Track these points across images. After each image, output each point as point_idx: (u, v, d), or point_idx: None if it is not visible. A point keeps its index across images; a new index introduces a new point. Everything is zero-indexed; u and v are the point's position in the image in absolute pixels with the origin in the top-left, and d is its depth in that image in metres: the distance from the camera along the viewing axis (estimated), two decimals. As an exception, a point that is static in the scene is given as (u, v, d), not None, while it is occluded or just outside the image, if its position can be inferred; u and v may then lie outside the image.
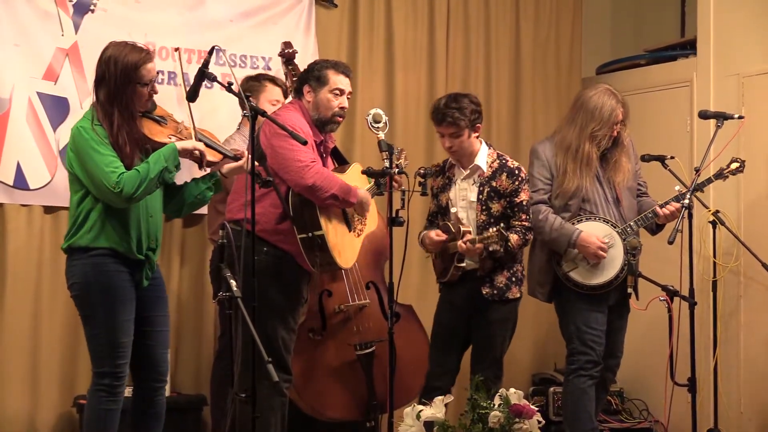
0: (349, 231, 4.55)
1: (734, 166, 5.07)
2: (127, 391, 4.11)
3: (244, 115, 4.12)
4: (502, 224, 4.76)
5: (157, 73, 4.27)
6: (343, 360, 5.01)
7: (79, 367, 5.20)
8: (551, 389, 6.04)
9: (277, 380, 3.42)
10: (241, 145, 4.81)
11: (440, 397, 4.38)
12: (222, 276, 3.66)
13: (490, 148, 4.97)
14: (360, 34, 6.10)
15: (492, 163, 4.91)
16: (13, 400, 5.12)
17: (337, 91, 4.48)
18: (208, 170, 4.22)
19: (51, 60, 5.20)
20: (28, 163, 5.13)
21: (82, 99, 5.21)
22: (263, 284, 4.01)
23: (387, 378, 4.36)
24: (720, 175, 5.04)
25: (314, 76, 4.49)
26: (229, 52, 5.59)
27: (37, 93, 5.16)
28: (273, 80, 5.17)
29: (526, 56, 6.69)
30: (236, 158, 4.12)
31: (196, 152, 4.02)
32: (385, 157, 4.34)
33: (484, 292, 4.85)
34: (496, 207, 4.85)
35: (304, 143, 4.11)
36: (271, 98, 5.08)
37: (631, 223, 4.87)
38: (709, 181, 4.99)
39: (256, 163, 3.93)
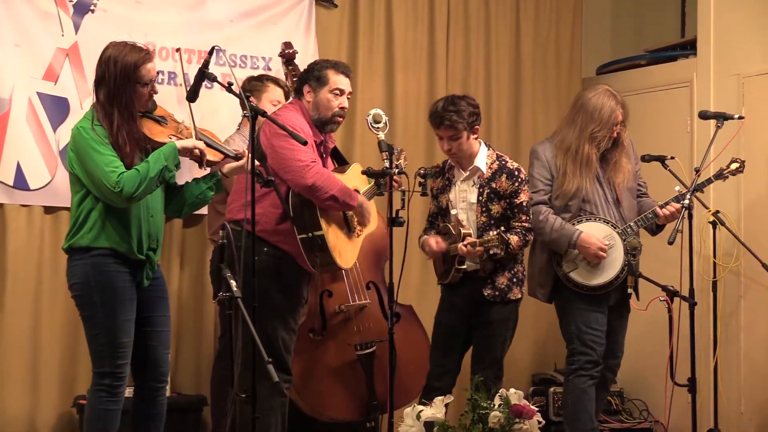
0: (349, 231, 4.55)
1: (734, 166, 5.07)
2: (128, 392, 4.11)
3: (244, 116, 4.12)
4: (502, 227, 4.76)
5: (157, 73, 4.27)
6: (343, 360, 5.01)
7: (79, 367, 5.20)
8: (551, 389, 6.04)
9: (277, 380, 3.42)
10: (241, 145, 4.81)
11: (440, 398, 4.38)
12: (222, 276, 3.66)
13: (489, 149, 4.97)
14: (360, 35, 6.10)
15: (491, 164, 4.91)
16: (13, 400, 5.12)
17: (337, 91, 4.48)
18: (209, 170, 4.22)
19: (51, 60, 5.20)
20: (28, 164, 5.13)
21: (82, 99, 5.21)
22: (263, 284, 4.01)
23: (387, 378, 4.36)
24: (720, 175, 5.04)
25: (314, 76, 4.49)
26: (229, 53, 5.59)
27: (37, 93, 5.16)
28: (276, 81, 5.18)
29: (526, 56, 6.69)
30: (237, 157, 4.11)
31: (196, 151, 4.02)
32: (385, 157, 4.34)
33: (486, 294, 4.85)
34: (496, 208, 4.85)
35: (304, 143, 4.11)
36: (272, 98, 5.08)
37: (631, 224, 4.87)
38: (709, 181, 4.99)
39: (257, 163, 3.93)
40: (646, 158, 5.05)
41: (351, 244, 4.57)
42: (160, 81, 5.29)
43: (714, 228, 5.75)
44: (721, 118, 5.06)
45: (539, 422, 4.32)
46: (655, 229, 4.98)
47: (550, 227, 4.81)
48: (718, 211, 5.69)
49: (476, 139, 4.91)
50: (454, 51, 6.44)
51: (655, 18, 7.14)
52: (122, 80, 3.95)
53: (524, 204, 4.85)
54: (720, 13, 6.13)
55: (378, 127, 4.49)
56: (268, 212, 4.33)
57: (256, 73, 5.48)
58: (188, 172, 4.90)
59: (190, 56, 5.50)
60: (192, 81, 4.10)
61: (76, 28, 5.27)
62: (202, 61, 4.06)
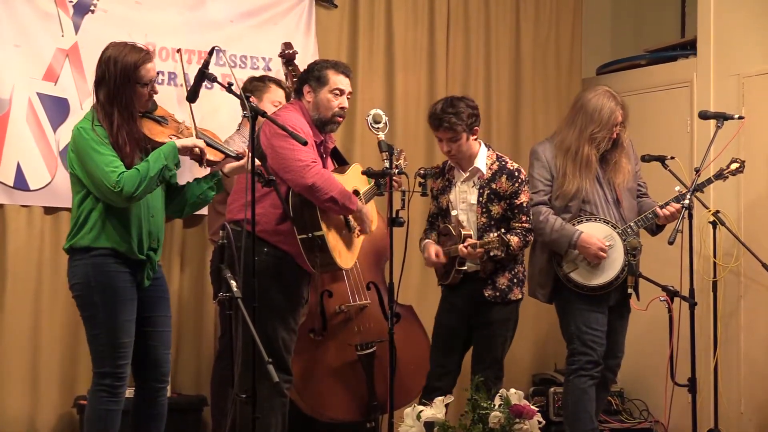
0: (349, 232, 4.55)
1: (734, 166, 5.07)
2: (129, 392, 4.11)
3: (244, 116, 4.12)
4: (502, 229, 4.76)
5: (158, 73, 4.27)
6: (343, 360, 5.01)
7: (80, 367, 5.20)
8: (551, 389, 6.04)
9: (277, 381, 3.42)
10: (241, 145, 4.81)
11: (440, 398, 4.38)
12: (222, 276, 3.66)
13: (489, 150, 4.97)
14: (360, 35, 6.10)
15: (491, 165, 4.90)
16: (13, 400, 5.12)
17: (337, 91, 4.48)
18: (209, 170, 4.22)
19: (51, 60, 5.20)
20: (28, 164, 5.13)
21: (82, 100, 5.21)
22: (263, 285, 4.01)
23: (387, 378, 4.36)
24: (720, 175, 5.04)
25: (314, 76, 4.49)
26: (229, 53, 5.59)
27: (37, 93, 5.16)
28: (278, 83, 5.18)
29: (526, 56, 6.69)
30: (238, 157, 4.11)
31: (196, 149, 4.02)
32: (385, 157, 4.34)
33: (487, 294, 4.85)
34: (496, 209, 4.85)
35: (304, 143, 4.11)
36: (273, 99, 5.09)
37: (632, 224, 4.87)
38: (709, 181, 4.99)
39: (258, 163, 3.93)
40: (646, 158, 5.06)
41: (351, 245, 4.57)
42: (160, 81, 5.30)
43: (714, 228, 5.75)
44: (721, 118, 5.06)
45: (539, 422, 4.33)
46: (655, 229, 4.99)
47: (550, 228, 4.81)
48: (718, 211, 5.69)
49: (476, 140, 4.90)
50: (454, 51, 6.44)
51: (655, 18, 7.14)
52: (122, 80, 3.95)
53: (524, 205, 4.85)
54: (720, 13, 6.13)
55: (378, 128, 4.48)
56: (268, 212, 4.33)
57: (256, 73, 5.48)
58: (189, 172, 4.91)
59: (191, 56, 5.50)
60: (192, 81, 4.10)
61: (76, 28, 5.27)
62: (202, 61, 4.06)
